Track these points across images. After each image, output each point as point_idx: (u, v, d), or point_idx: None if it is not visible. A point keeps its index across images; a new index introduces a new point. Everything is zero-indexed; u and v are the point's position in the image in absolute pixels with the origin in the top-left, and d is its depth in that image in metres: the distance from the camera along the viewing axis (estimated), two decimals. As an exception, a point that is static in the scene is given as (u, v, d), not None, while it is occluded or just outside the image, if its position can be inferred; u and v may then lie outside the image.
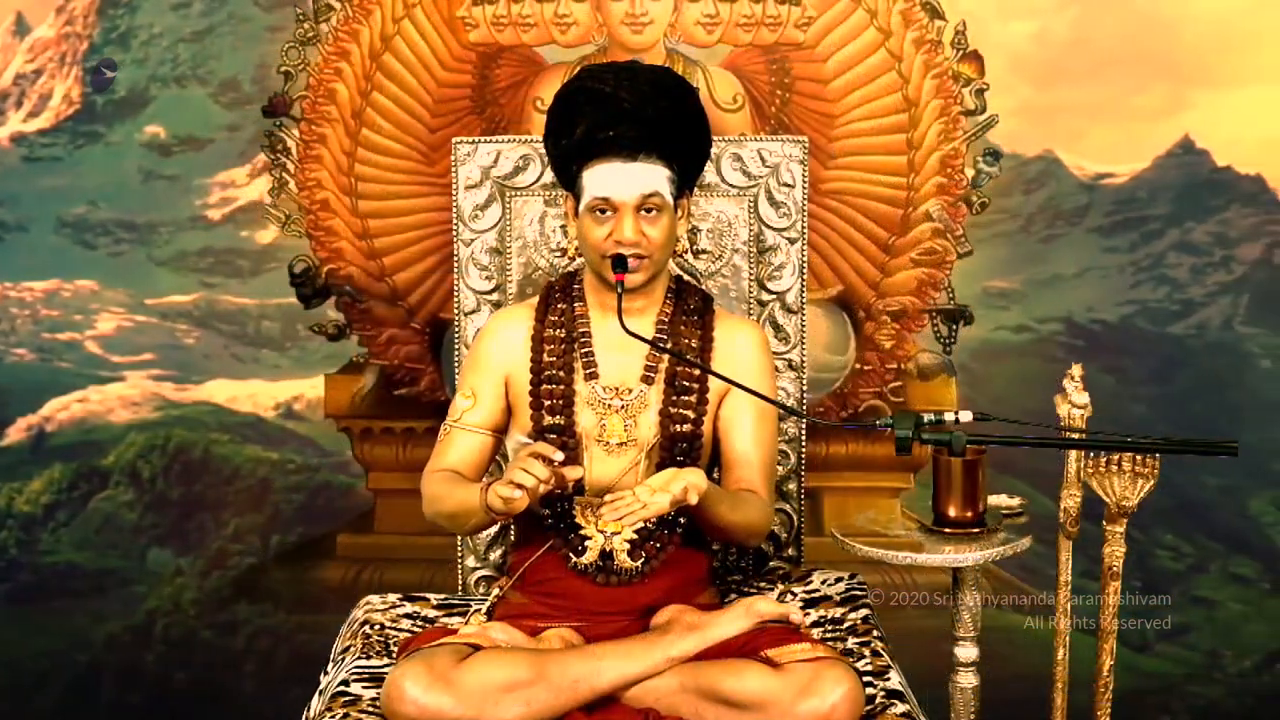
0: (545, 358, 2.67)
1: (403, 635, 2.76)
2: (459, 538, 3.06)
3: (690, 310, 2.71)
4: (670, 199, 2.59)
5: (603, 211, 2.57)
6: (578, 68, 3.09)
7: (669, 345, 2.66)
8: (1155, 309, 3.69)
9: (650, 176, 2.56)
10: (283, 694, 3.75)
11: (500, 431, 2.72)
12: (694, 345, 2.68)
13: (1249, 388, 3.63)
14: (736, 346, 2.71)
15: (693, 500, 2.40)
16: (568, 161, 2.60)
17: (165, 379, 3.76)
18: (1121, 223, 3.61)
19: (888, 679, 2.57)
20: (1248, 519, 3.68)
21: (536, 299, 2.77)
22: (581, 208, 2.60)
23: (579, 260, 2.73)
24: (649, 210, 2.57)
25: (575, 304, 2.71)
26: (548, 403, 2.65)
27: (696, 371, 2.65)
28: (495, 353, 2.70)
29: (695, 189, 2.95)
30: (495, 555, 3.06)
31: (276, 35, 3.65)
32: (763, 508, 2.64)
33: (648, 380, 2.66)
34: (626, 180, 2.55)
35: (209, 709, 3.78)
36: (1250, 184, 3.61)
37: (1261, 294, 3.67)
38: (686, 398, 2.66)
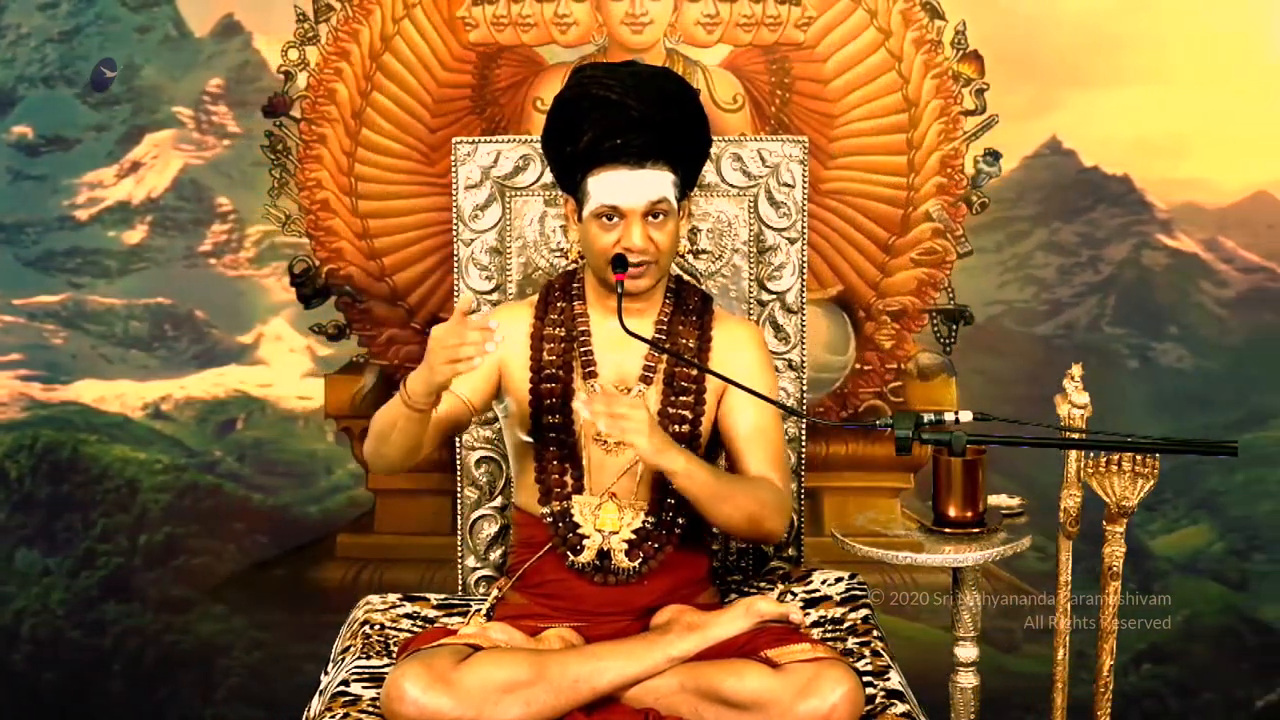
0: (545, 356, 2.67)
1: (403, 635, 2.76)
2: (459, 538, 3.06)
3: (689, 310, 2.71)
4: (675, 203, 2.59)
5: (609, 218, 2.57)
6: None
7: (668, 345, 2.66)
8: (1022, 309, 3.69)
9: (657, 183, 2.56)
10: (150, 694, 3.77)
11: (475, 412, 2.68)
12: (691, 345, 2.68)
13: (1117, 388, 3.63)
14: (735, 345, 2.71)
15: (667, 462, 2.40)
16: (571, 167, 2.60)
17: (33, 379, 3.75)
18: (989, 223, 3.61)
19: (888, 679, 2.57)
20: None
21: (535, 297, 2.77)
22: (586, 213, 2.59)
23: (580, 261, 2.72)
24: (656, 216, 2.57)
25: (575, 303, 2.71)
26: (547, 402, 2.65)
27: (694, 371, 2.66)
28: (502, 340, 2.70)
29: (696, 188, 2.96)
30: (495, 555, 3.06)
31: (145, 36, 3.66)
32: (773, 489, 2.60)
33: (646, 380, 2.66)
34: (634, 188, 2.54)
35: (77, 709, 3.78)
36: (1118, 184, 3.61)
37: (1128, 294, 3.66)
38: (685, 397, 2.66)
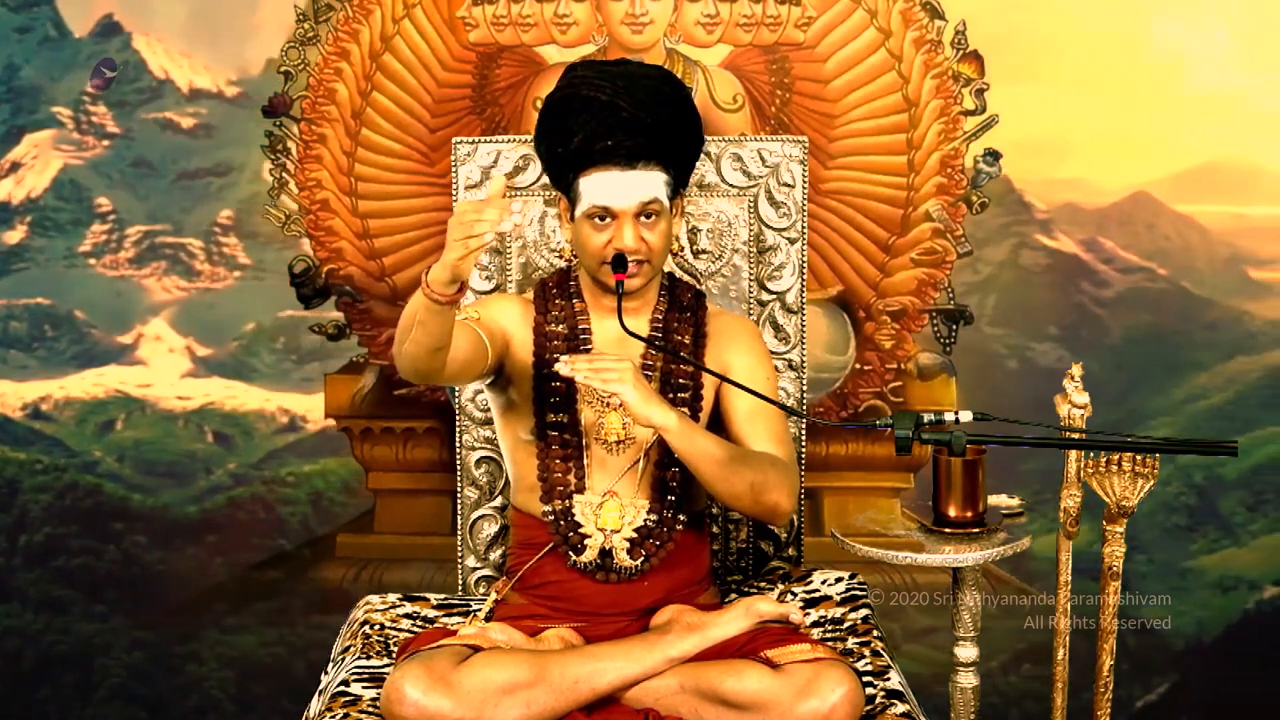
0: (547, 355, 2.67)
1: (402, 635, 2.76)
2: (459, 538, 3.06)
3: (683, 306, 2.71)
4: (667, 203, 2.59)
5: (601, 219, 2.57)
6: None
7: (664, 342, 2.66)
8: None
9: (649, 184, 2.55)
10: (30, 694, 3.77)
11: (488, 351, 2.61)
12: (686, 341, 2.68)
13: (996, 388, 3.64)
14: (730, 339, 2.71)
15: (656, 417, 2.40)
16: (563, 167, 2.59)
17: None
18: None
19: (888, 679, 2.57)
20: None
21: (530, 293, 2.77)
22: (578, 214, 2.59)
23: (574, 260, 2.72)
24: (648, 216, 2.57)
25: (573, 301, 2.71)
26: (551, 400, 2.65)
27: (691, 368, 2.65)
28: (505, 310, 2.69)
29: (691, 189, 2.96)
30: (495, 555, 3.06)
31: (25, 36, 3.66)
32: (776, 461, 2.58)
33: (644, 377, 2.66)
34: (625, 189, 2.54)
35: (-45, 709, 3.80)
36: (998, 185, 3.61)
37: (1008, 295, 3.67)
38: (682, 394, 2.66)
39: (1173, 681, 3.61)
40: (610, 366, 2.40)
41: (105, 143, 3.70)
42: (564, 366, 2.40)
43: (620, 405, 2.54)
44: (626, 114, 2.51)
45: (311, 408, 3.73)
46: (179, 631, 3.76)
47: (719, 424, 2.71)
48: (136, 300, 3.73)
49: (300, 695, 3.70)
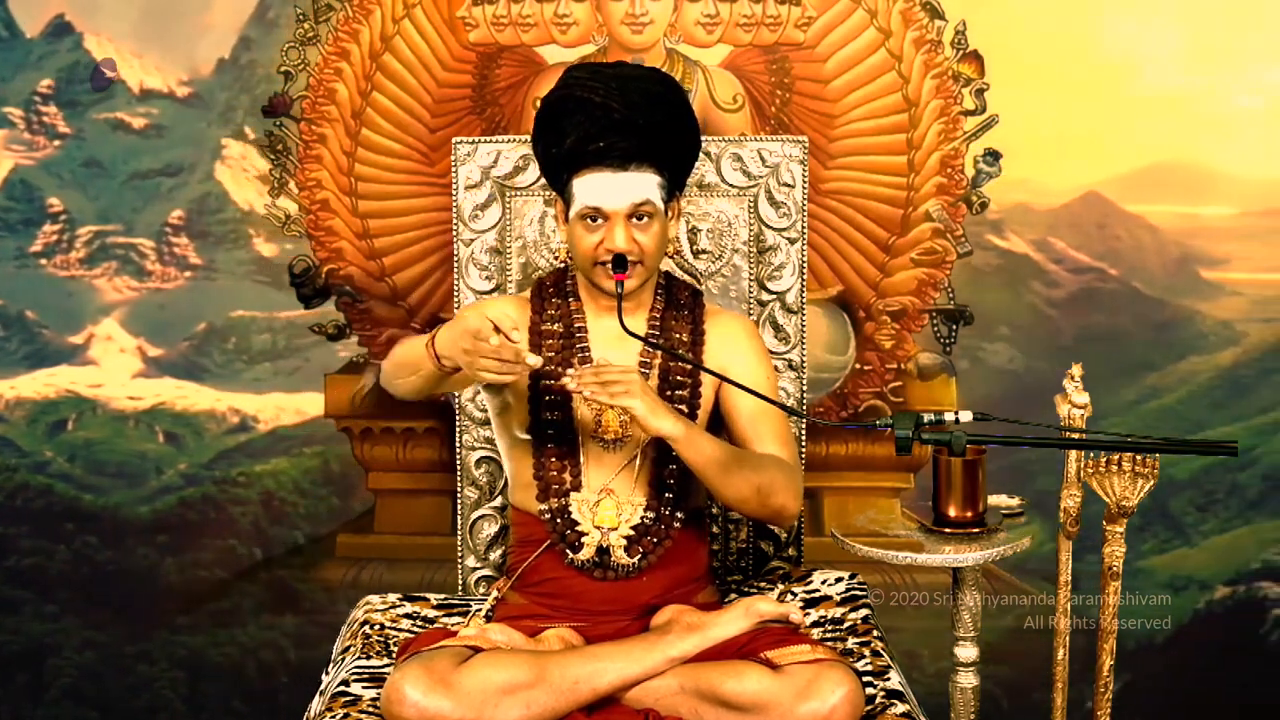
0: (543, 353, 2.67)
1: (403, 635, 2.76)
2: (459, 538, 3.06)
3: (680, 306, 2.72)
4: (661, 204, 2.58)
5: (593, 220, 2.57)
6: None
7: (661, 341, 2.66)
8: None
9: (641, 185, 2.55)
10: None
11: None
12: (685, 340, 2.68)
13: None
14: (728, 338, 2.71)
15: (660, 425, 2.42)
16: (557, 168, 2.60)
17: None
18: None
19: (888, 679, 2.57)
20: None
21: (527, 293, 2.77)
22: (572, 215, 2.59)
23: (570, 260, 2.72)
24: (640, 218, 2.57)
25: (570, 300, 2.71)
26: (546, 398, 2.65)
27: (689, 367, 2.65)
28: (500, 314, 2.68)
29: (691, 189, 2.96)
30: (495, 555, 3.06)
31: None
32: (781, 464, 2.59)
33: (642, 376, 2.65)
34: (617, 190, 2.54)
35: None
36: None
37: (960, 295, 3.64)
38: (680, 391, 2.66)
39: (1125, 682, 3.60)
40: (617, 379, 2.40)
41: (56, 143, 3.70)
42: (570, 381, 2.41)
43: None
44: (619, 115, 2.51)
45: (262, 407, 3.73)
46: (130, 631, 3.76)
47: (719, 424, 2.71)
48: (88, 300, 3.73)
49: (251, 695, 3.74)
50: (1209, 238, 3.66)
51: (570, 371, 2.43)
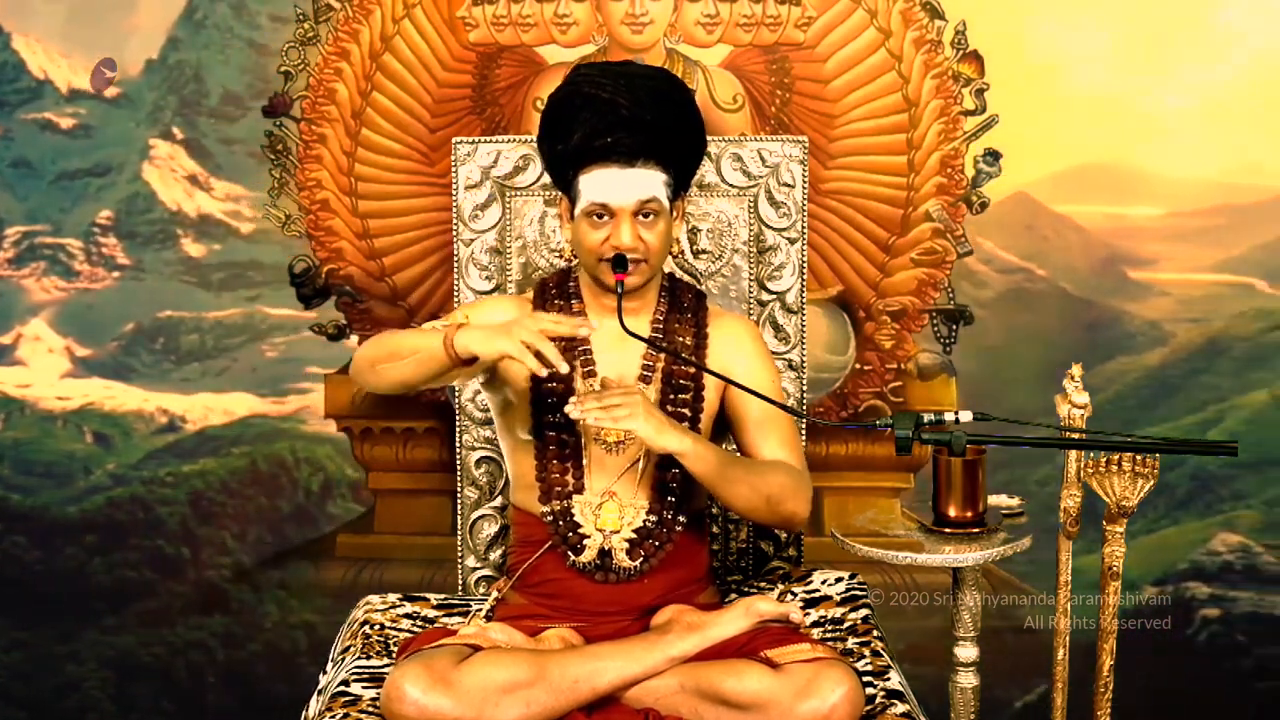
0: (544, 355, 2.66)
1: (402, 635, 2.76)
2: (459, 538, 3.06)
3: (684, 307, 2.71)
4: (667, 203, 2.59)
5: (599, 216, 2.57)
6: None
7: (665, 343, 2.66)
8: None
9: (647, 182, 2.55)
10: None
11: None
12: (688, 342, 2.68)
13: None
14: (732, 340, 2.71)
15: (660, 440, 2.41)
16: (563, 165, 2.60)
17: None
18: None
19: (888, 679, 2.57)
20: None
21: (529, 294, 2.77)
22: (577, 212, 2.59)
23: (574, 260, 2.72)
24: (646, 215, 2.57)
25: (573, 301, 2.71)
26: (549, 400, 2.65)
27: (692, 369, 2.65)
28: (498, 315, 2.66)
29: (693, 189, 2.96)
30: (495, 555, 3.06)
31: None
32: (789, 471, 2.59)
33: (645, 379, 2.66)
34: (624, 186, 2.54)
35: None
36: None
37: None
38: (683, 394, 2.66)
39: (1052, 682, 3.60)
40: (619, 402, 2.41)
41: None
42: (574, 410, 2.41)
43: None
44: (626, 111, 2.51)
45: (190, 408, 3.73)
46: (58, 631, 3.76)
47: (723, 427, 2.71)
48: (16, 301, 3.73)
49: (179, 696, 3.73)
50: (1137, 238, 3.66)
51: (572, 399, 2.43)
